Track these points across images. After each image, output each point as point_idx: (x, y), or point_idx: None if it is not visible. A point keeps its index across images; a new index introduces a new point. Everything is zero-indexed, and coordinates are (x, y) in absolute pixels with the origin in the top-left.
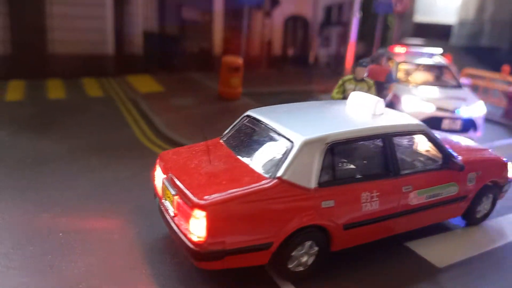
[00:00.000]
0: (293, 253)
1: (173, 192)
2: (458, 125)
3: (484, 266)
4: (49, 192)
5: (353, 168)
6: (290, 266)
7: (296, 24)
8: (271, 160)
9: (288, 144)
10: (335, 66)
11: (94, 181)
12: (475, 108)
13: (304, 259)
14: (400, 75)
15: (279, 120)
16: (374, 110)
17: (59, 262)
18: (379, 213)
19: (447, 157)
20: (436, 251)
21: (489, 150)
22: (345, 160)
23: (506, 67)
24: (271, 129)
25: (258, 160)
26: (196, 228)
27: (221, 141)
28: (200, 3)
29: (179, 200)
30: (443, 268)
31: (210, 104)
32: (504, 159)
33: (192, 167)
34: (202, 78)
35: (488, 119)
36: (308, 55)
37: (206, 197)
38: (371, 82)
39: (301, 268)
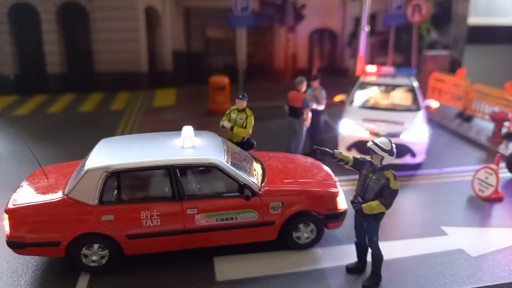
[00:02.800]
0: (82, 252)
1: None
2: None
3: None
4: None
5: (134, 191)
6: (84, 261)
7: (323, 37)
8: (73, 181)
9: (84, 169)
10: None
11: None
12: (413, 134)
13: (95, 257)
14: (359, 96)
15: (101, 149)
16: (182, 143)
17: None
18: (164, 229)
19: (240, 187)
20: (229, 267)
21: (331, 182)
22: (127, 185)
23: (508, 84)
24: (89, 156)
25: (71, 180)
26: (5, 225)
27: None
28: (223, 22)
29: None
30: (220, 281)
31: (197, 118)
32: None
33: (36, 181)
34: None
35: (473, 141)
36: (341, 67)
37: (14, 204)
38: (249, 112)
39: (95, 264)
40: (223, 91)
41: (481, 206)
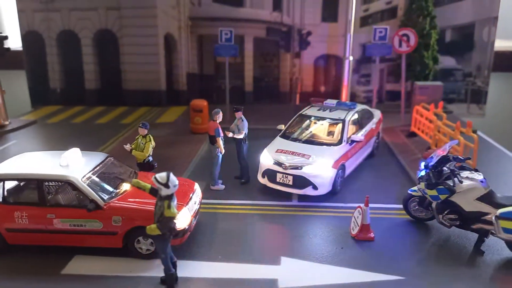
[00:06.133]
0: None
1: None
2: (290, 180)
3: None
4: None
5: (12, 195)
6: None
7: (328, 62)
8: None
9: None
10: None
11: None
12: (315, 167)
13: None
14: (294, 127)
15: (11, 160)
16: (60, 162)
17: None
18: (30, 227)
19: (89, 201)
20: (79, 264)
21: (178, 204)
22: (9, 189)
23: (459, 124)
24: None
25: None
26: None
27: None
28: None
29: None
30: (63, 274)
31: (178, 135)
32: None
33: None
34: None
35: (412, 180)
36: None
37: None
38: (149, 138)
39: None
40: (200, 113)
41: (344, 244)
